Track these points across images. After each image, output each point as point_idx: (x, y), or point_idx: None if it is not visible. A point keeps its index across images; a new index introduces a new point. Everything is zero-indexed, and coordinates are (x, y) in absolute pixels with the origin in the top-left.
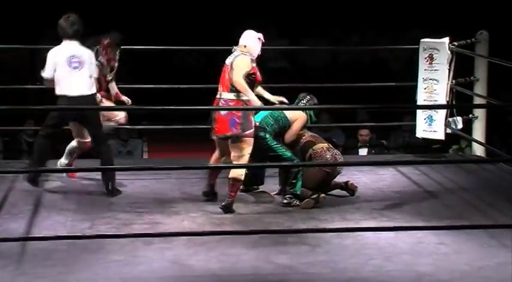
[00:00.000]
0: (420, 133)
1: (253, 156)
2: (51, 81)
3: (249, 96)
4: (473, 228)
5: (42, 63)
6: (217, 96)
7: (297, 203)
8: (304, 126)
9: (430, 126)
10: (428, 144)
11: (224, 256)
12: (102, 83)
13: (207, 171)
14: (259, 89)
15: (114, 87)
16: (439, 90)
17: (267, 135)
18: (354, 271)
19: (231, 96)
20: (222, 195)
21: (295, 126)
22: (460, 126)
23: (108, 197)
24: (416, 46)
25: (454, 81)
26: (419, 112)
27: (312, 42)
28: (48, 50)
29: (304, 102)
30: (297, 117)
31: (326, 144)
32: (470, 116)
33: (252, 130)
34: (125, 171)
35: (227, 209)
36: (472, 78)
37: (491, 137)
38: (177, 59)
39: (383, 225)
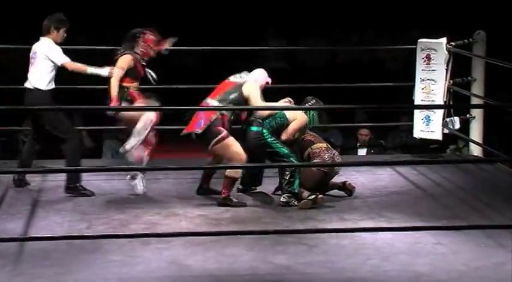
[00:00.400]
0: (418, 133)
1: (251, 156)
2: None
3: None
4: (470, 228)
5: None
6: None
7: (295, 202)
8: (304, 128)
9: (428, 126)
10: (425, 144)
11: (222, 256)
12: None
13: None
14: None
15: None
16: (436, 90)
17: (264, 130)
18: (352, 271)
19: (215, 103)
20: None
21: (292, 126)
22: (457, 126)
23: (66, 193)
24: (414, 46)
25: (451, 81)
26: (416, 112)
27: (310, 42)
28: None
29: (310, 105)
30: (296, 118)
31: (325, 144)
32: (468, 116)
33: (218, 137)
34: (122, 172)
35: (223, 204)
36: (469, 78)
37: (488, 137)
38: (175, 60)
39: (381, 226)
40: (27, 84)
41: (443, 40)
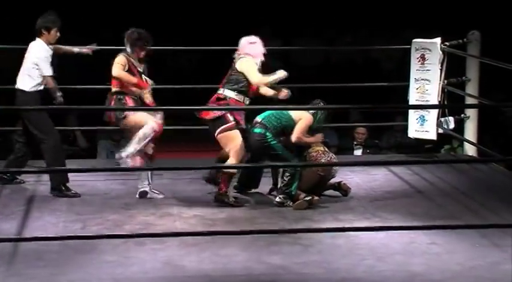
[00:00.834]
0: (412, 133)
1: (252, 158)
2: None
3: (272, 79)
4: (465, 228)
5: None
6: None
7: (290, 204)
8: (308, 128)
9: (422, 126)
10: (420, 144)
11: (217, 257)
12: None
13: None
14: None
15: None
16: (431, 90)
17: (268, 133)
18: (347, 271)
19: (222, 90)
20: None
21: (300, 125)
22: (451, 126)
23: (51, 194)
24: (408, 46)
25: (445, 81)
26: (411, 112)
27: (304, 42)
28: None
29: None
30: (302, 117)
31: (322, 148)
32: (462, 116)
33: (224, 126)
34: (117, 172)
35: (219, 201)
36: (463, 78)
37: (482, 137)
38: (170, 60)
39: (375, 225)
40: (16, 85)
41: (438, 40)
